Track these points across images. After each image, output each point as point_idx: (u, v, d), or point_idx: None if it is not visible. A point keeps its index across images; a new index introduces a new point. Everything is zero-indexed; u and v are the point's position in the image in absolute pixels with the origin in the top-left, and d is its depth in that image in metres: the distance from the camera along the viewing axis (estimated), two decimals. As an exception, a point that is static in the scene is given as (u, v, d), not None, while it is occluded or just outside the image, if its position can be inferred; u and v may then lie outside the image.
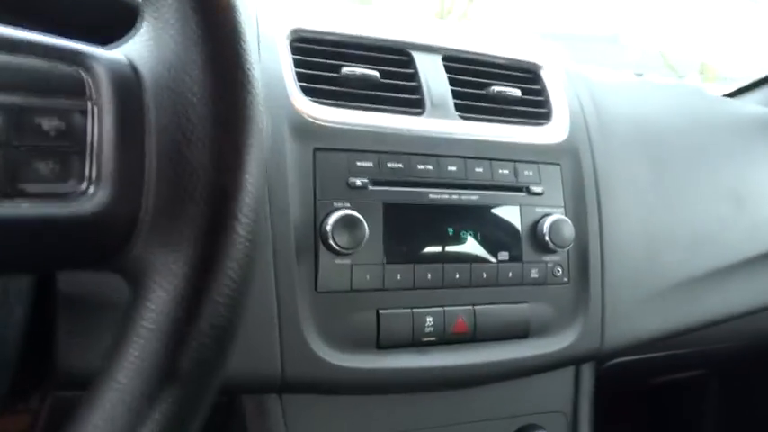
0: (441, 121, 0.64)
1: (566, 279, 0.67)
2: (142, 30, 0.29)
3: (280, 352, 0.55)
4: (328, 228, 0.56)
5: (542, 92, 0.73)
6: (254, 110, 0.28)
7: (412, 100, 0.64)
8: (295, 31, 0.62)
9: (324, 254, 0.57)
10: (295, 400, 0.59)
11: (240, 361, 0.54)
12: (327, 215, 0.56)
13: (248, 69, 0.28)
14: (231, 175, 0.28)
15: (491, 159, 0.65)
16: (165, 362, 0.27)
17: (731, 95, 1.13)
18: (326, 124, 0.59)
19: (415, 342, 0.60)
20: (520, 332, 0.64)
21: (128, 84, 0.28)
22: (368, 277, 0.58)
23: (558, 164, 0.69)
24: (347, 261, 0.58)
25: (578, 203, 0.69)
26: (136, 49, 0.29)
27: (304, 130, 0.58)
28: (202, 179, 0.27)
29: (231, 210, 0.28)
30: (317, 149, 0.58)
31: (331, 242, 0.56)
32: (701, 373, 1.04)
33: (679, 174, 0.81)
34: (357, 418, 0.62)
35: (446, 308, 0.61)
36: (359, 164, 0.59)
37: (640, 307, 0.72)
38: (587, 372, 0.72)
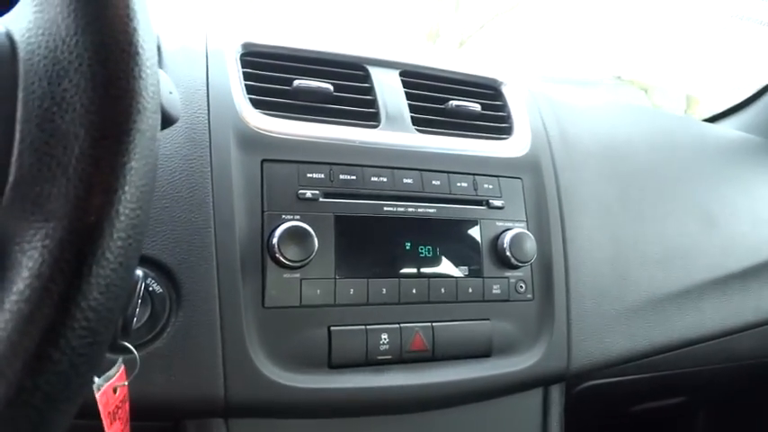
0: (396, 134, 0.63)
1: (530, 296, 0.65)
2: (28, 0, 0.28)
3: (223, 373, 0.52)
4: (275, 240, 0.54)
5: (503, 107, 0.72)
6: (140, 77, 0.26)
7: (367, 113, 0.63)
8: (245, 45, 0.62)
9: (271, 268, 0.55)
10: (242, 425, 0.56)
11: (180, 383, 0.52)
12: (275, 228, 0.54)
13: (132, 32, 0.27)
14: (109, 146, 0.26)
15: (449, 172, 0.63)
16: (24, 352, 0.24)
17: (709, 120, 1.14)
18: (275, 135, 0.58)
19: (370, 361, 0.57)
20: (482, 350, 0.62)
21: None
22: (318, 292, 0.56)
23: (519, 178, 0.67)
24: (296, 275, 0.55)
25: (541, 218, 0.67)
26: (17, 17, 0.27)
27: (251, 141, 0.57)
28: (75, 149, 0.25)
29: (108, 184, 0.25)
30: (264, 160, 0.56)
31: (278, 255, 0.54)
32: (684, 402, 1.00)
33: (647, 192, 0.79)
34: None
35: (402, 325, 0.58)
36: (309, 175, 0.57)
37: (608, 325, 0.69)
38: (556, 394, 0.68)
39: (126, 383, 0.46)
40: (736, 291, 0.79)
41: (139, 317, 0.50)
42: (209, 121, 0.56)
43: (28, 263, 0.25)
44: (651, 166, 0.82)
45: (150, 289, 0.51)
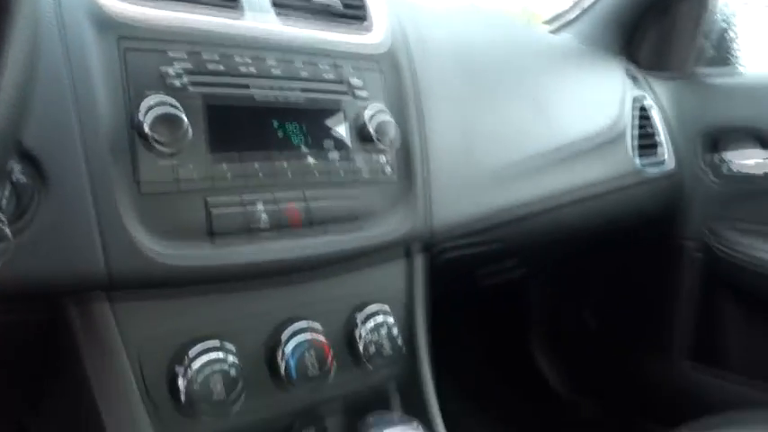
0: (259, 23, 0.64)
1: (394, 177, 0.72)
2: None
3: (101, 246, 0.52)
4: (146, 127, 0.54)
5: (363, 7, 0.75)
6: None
7: (227, 1, 0.63)
8: None
9: (143, 153, 0.55)
10: (126, 306, 0.57)
11: (58, 261, 0.51)
12: (145, 113, 0.54)
13: None
14: None
15: (314, 63, 0.66)
16: None
17: (552, 32, 1.28)
18: (136, 23, 0.56)
19: (247, 229, 0.60)
20: (351, 218, 0.67)
21: None
22: (194, 175, 0.57)
23: (381, 72, 0.72)
24: (170, 160, 0.56)
25: (401, 108, 0.74)
26: None
27: (110, 28, 0.55)
28: None
29: None
30: (127, 49, 0.55)
31: (151, 141, 0.54)
32: (518, 268, 1.19)
33: (491, 86, 0.91)
34: (194, 312, 0.60)
35: (277, 193, 0.62)
36: (176, 63, 0.57)
37: (460, 194, 0.80)
38: (419, 262, 0.78)
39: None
40: (566, 166, 0.95)
41: (7, 207, 0.49)
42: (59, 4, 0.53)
43: None
44: (497, 65, 0.94)
45: (15, 179, 0.50)
